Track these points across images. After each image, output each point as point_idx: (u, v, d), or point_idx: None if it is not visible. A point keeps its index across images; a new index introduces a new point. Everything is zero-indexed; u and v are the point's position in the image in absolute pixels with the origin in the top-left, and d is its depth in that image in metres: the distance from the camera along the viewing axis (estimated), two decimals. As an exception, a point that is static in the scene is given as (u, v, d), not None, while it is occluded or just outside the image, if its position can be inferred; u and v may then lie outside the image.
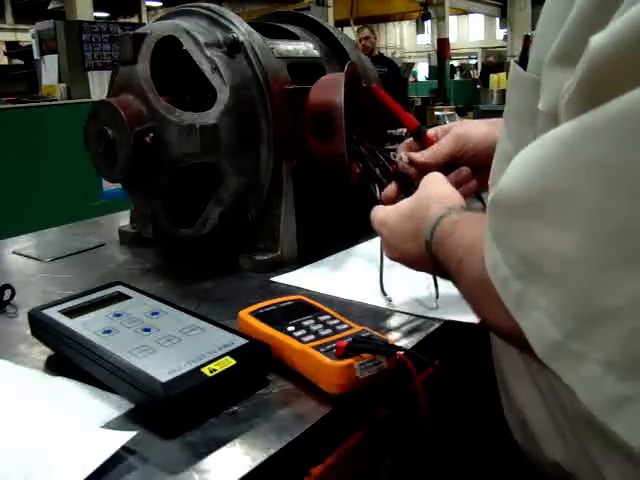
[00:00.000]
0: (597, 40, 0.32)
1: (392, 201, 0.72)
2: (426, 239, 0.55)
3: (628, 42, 0.31)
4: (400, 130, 1.03)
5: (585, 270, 0.31)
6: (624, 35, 0.31)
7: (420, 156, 0.78)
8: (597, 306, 0.30)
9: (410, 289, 0.73)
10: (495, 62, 11.80)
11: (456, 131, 0.79)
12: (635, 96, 0.29)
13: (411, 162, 0.79)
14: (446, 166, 0.78)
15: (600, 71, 0.32)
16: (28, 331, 0.63)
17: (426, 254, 0.55)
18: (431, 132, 0.81)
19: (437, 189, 0.62)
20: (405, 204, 0.63)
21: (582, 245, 0.31)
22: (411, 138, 0.82)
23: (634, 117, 0.29)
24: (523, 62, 0.52)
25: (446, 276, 0.53)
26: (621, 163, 0.30)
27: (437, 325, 0.67)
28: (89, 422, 0.49)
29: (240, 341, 0.56)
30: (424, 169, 0.78)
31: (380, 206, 0.69)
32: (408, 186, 0.76)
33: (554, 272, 0.33)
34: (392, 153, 0.81)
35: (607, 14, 0.34)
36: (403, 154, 0.80)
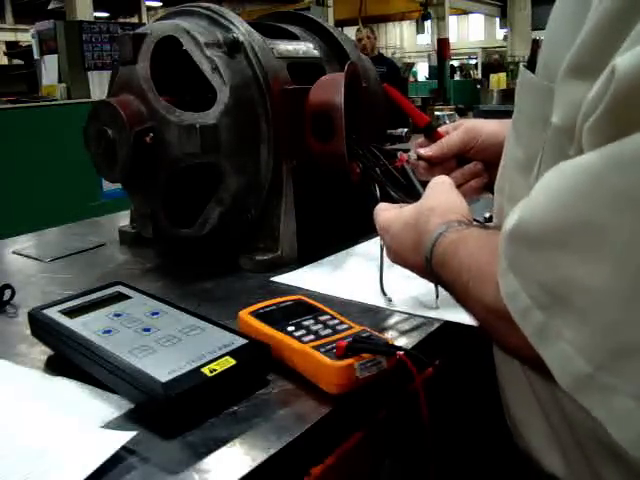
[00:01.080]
0: (623, 65, 0.31)
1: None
2: (426, 256, 0.54)
3: None
4: (400, 130, 1.04)
5: (616, 303, 0.30)
6: None
7: (428, 150, 0.79)
8: (629, 339, 0.30)
9: (410, 289, 0.73)
10: (498, 62, 11.80)
11: (465, 125, 0.80)
12: None
13: (420, 157, 0.79)
14: (457, 160, 0.80)
15: (627, 99, 0.32)
16: (28, 331, 0.63)
17: (427, 269, 0.55)
18: (442, 129, 0.82)
19: (441, 198, 0.61)
20: (409, 211, 0.62)
21: (612, 277, 0.30)
22: (423, 136, 0.83)
23: None
24: (531, 66, 0.51)
25: (449, 293, 0.53)
26: None
27: (437, 325, 0.67)
28: (89, 422, 0.49)
29: (240, 341, 0.56)
30: (433, 162, 0.79)
31: (383, 205, 0.68)
32: (410, 186, 0.76)
33: (582, 304, 0.32)
34: (400, 153, 0.82)
35: (626, 26, 0.34)
36: (412, 151, 0.80)
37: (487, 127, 0.79)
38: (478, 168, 0.79)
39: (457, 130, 0.80)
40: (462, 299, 0.49)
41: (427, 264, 0.54)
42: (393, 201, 0.76)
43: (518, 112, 0.54)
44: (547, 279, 0.34)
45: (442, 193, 0.62)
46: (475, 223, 0.58)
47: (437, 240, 0.53)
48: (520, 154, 0.52)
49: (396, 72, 5.55)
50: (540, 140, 0.46)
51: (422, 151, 0.80)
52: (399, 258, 0.63)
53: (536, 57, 0.51)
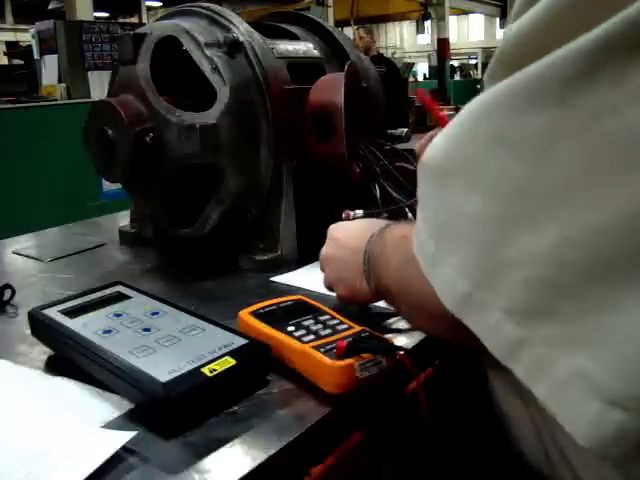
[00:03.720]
0: (511, 27, 0.36)
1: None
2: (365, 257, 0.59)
3: (532, 24, 0.34)
4: (400, 130, 1.04)
5: (487, 227, 0.34)
6: (530, 19, 0.34)
7: None
8: (497, 258, 0.33)
9: (410, 289, 0.73)
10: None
11: None
12: (525, 73, 0.32)
13: None
14: None
15: (509, 51, 0.35)
16: (28, 331, 0.63)
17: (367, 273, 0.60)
18: None
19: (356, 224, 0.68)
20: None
21: (484, 205, 0.34)
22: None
23: (525, 91, 0.33)
24: None
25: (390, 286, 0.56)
26: (516, 132, 0.33)
27: (437, 325, 0.67)
28: (89, 422, 0.49)
29: (240, 341, 0.56)
30: None
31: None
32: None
33: (460, 230, 0.36)
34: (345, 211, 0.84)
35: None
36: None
37: None
38: None
39: None
40: (394, 278, 0.53)
41: (366, 267, 0.59)
42: (394, 201, 0.76)
43: None
44: (437, 209, 0.38)
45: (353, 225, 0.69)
46: None
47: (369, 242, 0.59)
48: None
49: (395, 72, 5.54)
50: None
51: None
52: (346, 284, 0.66)
53: None
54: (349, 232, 0.66)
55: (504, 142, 0.33)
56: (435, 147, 0.39)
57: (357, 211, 0.83)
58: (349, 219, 0.82)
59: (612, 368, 0.29)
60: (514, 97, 0.33)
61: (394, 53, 18.78)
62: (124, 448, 0.45)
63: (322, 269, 0.69)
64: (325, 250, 0.68)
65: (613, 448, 0.30)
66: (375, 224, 0.61)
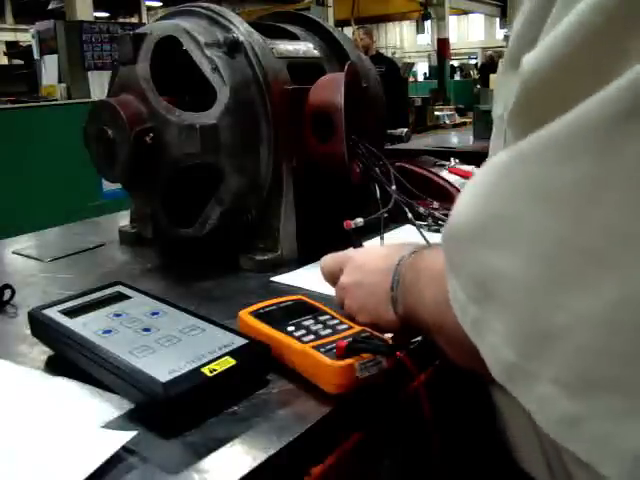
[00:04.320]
0: (529, 60, 0.33)
1: None
2: (394, 277, 0.55)
3: (557, 64, 0.31)
4: (400, 130, 1.04)
5: (531, 290, 0.31)
6: (553, 56, 0.31)
7: None
8: (545, 325, 0.30)
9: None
10: (493, 59, 11.79)
11: None
12: (565, 120, 0.30)
13: None
14: None
15: (532, 93, 0.33)
16: (28, 331, 0.63)
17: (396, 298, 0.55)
18: None
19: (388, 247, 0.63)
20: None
21: (526, 266, 0.31)
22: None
23: (565, 139, 0.30)
24: None
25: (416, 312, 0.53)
26: (555, 184, 0.30)
27: (437, 325, 0.67)
28: (89, 422, 0.49)
29: (240, 341, 0.56)
30: None
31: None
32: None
33: (504, 294, 0.33)
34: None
35: (546, 18, 0.34)
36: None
37: None
38: None
39: None
40: (429, 314, 0.50)
41: (396, 289, 0.55)
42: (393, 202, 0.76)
43: (495, 111, 0.54)
44: (477, 274, 0.35)
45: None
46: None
47: (399, 265, 0.55)
48: (500, 149, 0.53)
49: (395, 71, 5.54)
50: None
51: None
52: (369, 308, 0.60)
53: None
54: (372, 256, 0.61)
55: (542, 195, 0.31)
56: (462, 206, 0.37)
57: (357, 220, 0.82)
58: (350, 228, 0.81)
59: None
60: (552, 146, 0.31)
61: (394, 53, 18.77)
62: (124, 448, 0.45)
63: (340, 300, 0.63)
64: (345, 279, 0.62)
65: None
66: (402, 247, 0.57)
